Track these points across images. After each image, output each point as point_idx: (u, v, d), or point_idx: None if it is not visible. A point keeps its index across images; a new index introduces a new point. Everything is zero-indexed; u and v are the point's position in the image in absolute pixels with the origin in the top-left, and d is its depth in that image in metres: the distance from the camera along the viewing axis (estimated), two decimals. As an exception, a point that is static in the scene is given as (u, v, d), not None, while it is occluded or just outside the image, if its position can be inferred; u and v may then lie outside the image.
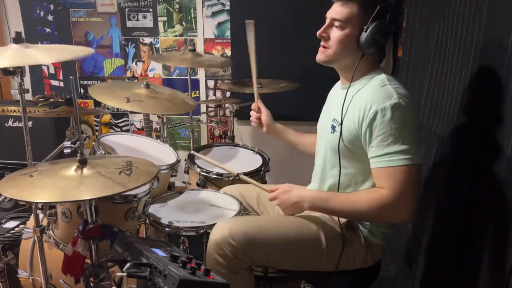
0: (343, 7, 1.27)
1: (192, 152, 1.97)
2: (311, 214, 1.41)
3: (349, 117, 1.29)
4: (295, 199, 1.34)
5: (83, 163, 1.18)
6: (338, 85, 1.51)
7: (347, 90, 1.33)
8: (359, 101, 1.27)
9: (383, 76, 1.29)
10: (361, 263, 1.37)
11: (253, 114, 1.75)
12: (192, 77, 2.96)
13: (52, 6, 3.14)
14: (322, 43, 1.33)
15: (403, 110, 1.20)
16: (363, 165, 1.31)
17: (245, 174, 1.94)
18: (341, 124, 1.30)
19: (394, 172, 1.20)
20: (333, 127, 1.36)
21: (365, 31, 1.24)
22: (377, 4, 1.23)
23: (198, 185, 1.94)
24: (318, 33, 1.32)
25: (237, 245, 1.26)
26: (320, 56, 1.34)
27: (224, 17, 2.96)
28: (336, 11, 1.29)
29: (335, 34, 1.29)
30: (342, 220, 1.36)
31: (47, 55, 1.36)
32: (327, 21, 1.32)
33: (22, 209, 2.30)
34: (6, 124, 2.79)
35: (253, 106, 1.75)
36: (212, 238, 1.30)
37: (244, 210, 1.61)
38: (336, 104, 1.39)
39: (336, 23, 1.28)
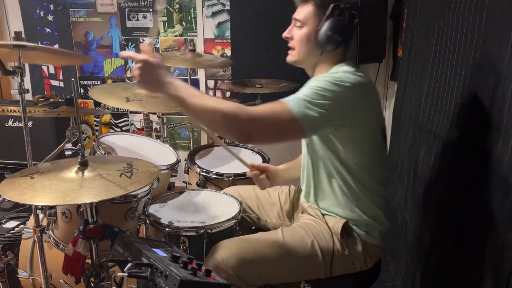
0: (301, 8, 1.32)
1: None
2: (302, 225, 1.40)
3: None
4: (159, 74, 1.14)
5: (84, 165, 1.18)
6: None
7: None
8: None
9: (344, 65, 1.29)
10: (361, 266, 1.36)
11: (258, 178, 1.54)
12: (192, 77, 2.96)
13: (52, 6, 3.14)
14: (289, 44, 1.37)
15: (337, 81, 1.19)
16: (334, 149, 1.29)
17: (245, 174, 1.95)
18: None
19: (278, 103, 1.16)
20: None
21: (319, 29, 1.27)
22: (331, 2, 1.26)
23: (198, 185, 1.94)
24: (283, 35, 1.37)
25: (230, 271, 1.24)
26: (288, 57, 1.38)
27: (224, 17, 2.96)
28: (297, 12, 1.34)
29: (296, 34, 1.34)
30: (337, 226, 1.33)
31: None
32: (292, 23, 1.36)
33: (22, 209, 2.30)
34: (6, 124, 2.79)
35: (250, 174, 1.54)
36: (206, 265, 1.29)
37: (243, 212, 1.61)
38: None
39: (297, 23, 1.33)
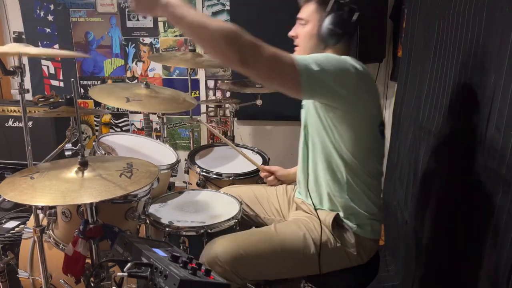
0: (305, 7, 1.41)
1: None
2: (295, 220, 1.42)
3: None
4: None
5: (84, 165, 1.18)
6: None
7: None
8: None
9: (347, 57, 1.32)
10: (357, 260, 1.37)
11: (267, 179, 1.76)
12: (192, 77, 2.95)
13: (52, 6, 3.14)
14: (294, 42, 1.43)
15: (341, 60, 1.25)
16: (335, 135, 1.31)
17: (245, 174, 1.95)
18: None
19: (286, 53, 1.16)
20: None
21: (321, 25, 1.35)
22: None
23: (198, 185, 1.94)
24: (289, 34, 1.44)
25: (225, 266, 1.27)
26: (295, 54, 1.38)
27: (224, 17, 2.96)
28: (301, 11, 1.42)
29: (300, 31, 1.41)
30: (328, 220, 1.35)
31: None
32: (296, 22, 1.43)
33: (22, 209, 2.30)
34: (6, 124, 2.79)
35: (262, 174, 1.78)
36: (201, 260, 1.31)
37: (243, 212, 1.61)
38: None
39: (301, 22, 1.41)
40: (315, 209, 1.40)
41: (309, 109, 1.38)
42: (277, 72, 1.17)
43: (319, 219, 1.37)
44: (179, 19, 1.09)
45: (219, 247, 1.30)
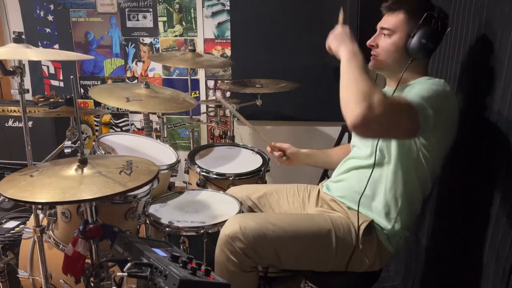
0: (391, 16, 1.33)
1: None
2: (324, 214, 1.42)
3: None
4: (346, 38, 1.25)
5: (83, 162, 1.18)
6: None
7: (393, 92, 1.31)
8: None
9: (435, 79, 1.31)
10: (368, 267, 1.37)
11: (275, 154, 1.71)
12: (192, 77, 2.96)
13: (52, 6, 3.14)
14: (372, 52, 1.38)
15: (446, 90, 1.24)
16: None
17: (245, 174, 1.95)
18: None
19: (402, 99, 1.17)
20: None
21: (412, 37, 1.27)
22: (425, 11, 1.26)
23: (198, 185, 1.94)
24: (368, 42, 1.38)
25: (247, 241, 1.27)
26: (371, 63, 1.39)
27: (224, 17, 2.96)
28: (385, 21, 1.35)
29: (383, 42, 1.34)
30: (363, 222, 1.34)
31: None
32: (378, 31, 1.37)
33: (22, 209, 2.30)
34: (6, 124, 2.79)
35: (269, 149, 1.72)
36: (223, 233, 1.31)
37: (249, 210, 1.61)
38: None
39: (385, 32, 1.34)
40: (358, 212, 1.36)
41: None
42: (396, 121, 1.14)
43: (351, 221, 1.36)
44: (348, 62, 1.18)
45: (244, 223, 1.30)
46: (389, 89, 1.42)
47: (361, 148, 1.45)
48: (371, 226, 1.35)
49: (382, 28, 1.35)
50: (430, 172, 1.34)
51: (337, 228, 1.35)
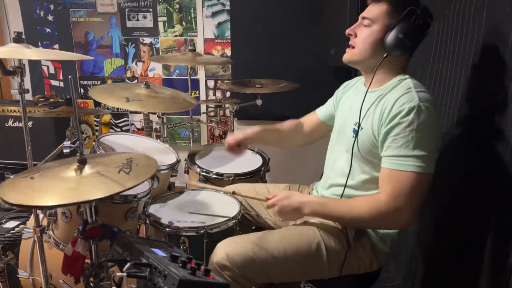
0: (374, 6, 1.26)
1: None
2: (310, 221, 1.40)
3: (370, 122, 1.26)
4: (296, 204, 1.29)
5: (82, 162, 1.18)
6: (358, 85, 1.46)
7: (366, 91, 1.30)
8: (381, 106, 1.23)
9: (409, 81, 1.24)
10: (365, 269, 1.36)
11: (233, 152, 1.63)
12: (192, 77, 2.96)
13: (52, 6, 3.14)
14: (350, 42, 1.31)
15: (424, 115, 1.15)
16: (375, 173, 1.27)
17: (245, 174, 1.95)
18: (359, 128, 1.28)
19: (401, 176, 1.16)
20: (355, 131, 1.31)
21: (390, 31, 1.21)
22: (409, 5, 1.20)
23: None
24: (346, 31, 1.31)
25: (236, 268, 1.25)
26: (346, 56, 1.32)
27: (224, 17, 2.96)
28: (367, 10, 1.28)
29: (362, 32, 1.27)
30: (352, 227, 1.32)
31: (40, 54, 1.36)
32: (359, 20, 1.30)
33: (22, 209, 2.30)
34: (6, 124, 2.79)
35: (227, 149, 1.62)
36: (211, 261, 1.29)
37: (244, 210, 1.61)
38: (356, 107, 1.34)
39: (365, 22, 1.27)
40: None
41: (365, 138, 1.28)
42: (419, 192, 1.18)
43: (340, 227, 1.35)
44: (328, 217, 1.32)
45: (230, 248, 1.28)
46: (365, 89, 1.35)
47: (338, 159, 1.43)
48: (361, 230, 1.33)
49: (363, 18, 1.27)
50: None
51: (326, 239, 1.32)
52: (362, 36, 1.27)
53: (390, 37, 1.21)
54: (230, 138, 1.61)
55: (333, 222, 1.37)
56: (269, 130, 1.68)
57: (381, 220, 1.21)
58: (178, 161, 1.87)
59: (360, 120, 1.28)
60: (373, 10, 1.26)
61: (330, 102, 1.62)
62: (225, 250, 1.27)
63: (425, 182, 1.17)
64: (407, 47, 1.22)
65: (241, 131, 1.62)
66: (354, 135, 1.30)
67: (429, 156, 1.16)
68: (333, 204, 1.28)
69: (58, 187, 1.09)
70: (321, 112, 1.66)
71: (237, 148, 1.61)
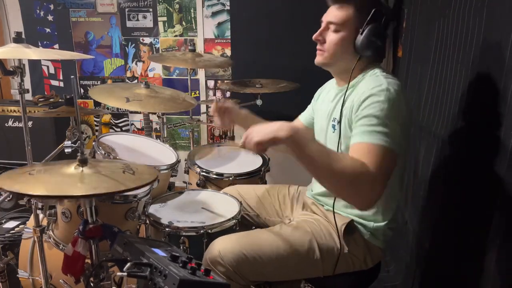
0: (339, 10, 1.28)
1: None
2: (302, 223, 1.40)
3: (345, 112, 1.27)
4: (275, 125, 1.12)
5: (83, 162, 1.18)
6: (331, 87, 1.49)
7: (345, 92, 1.31)
8: (353, 96, 1.26)
9: (377, 70, 1.29)
10: (360, 265, 1.36)
11: (219, 117, 1.58)
12: (192, 77, 2.96)
13: (52, 6, 3.14)
14: (318, 46, 1.34)
15: (392, 98, 1.17)
16: None
17: (245, 174, 1.95)
18: (340, 122, 1.29)
19: (377, 149, 1.12)
20: (334, 126, 1.34)
21: (361, 34, 1.24)
22: (373, 7, 1.23)
23: (198, 185, 1.94)
24: (313, 36, 1.33)
25: (228, 265, 1.26)
26: (318, 59, 1.34)
27: (224, 17, 2.96)
28: (332, 15, 1.29)
29: (331, 37, 1.29)
30: (342, 224, 1.33)
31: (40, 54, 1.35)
32: (323, 25, 1.32)
33: (22, 209, 2.30)
34: (6, 124, 2.79)
35: (213, 111, 1.58)
36: (205, 258, 1.30)
37: (243, 211, 1.61)
38: (331, 105, 1.38)
39: (332, 27, 1.29)
40: (334, 213, 1.33)
41: (344, 132, 1.29)
42: (389, 172, 1.14)
43: (331, 225, 1.35)
44: (304, 155, 1.08)
45: (223, 246, 1.29)
46: (339, 89, 1.38)
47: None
48: (352, 226, 1.34)
49: (330, 23, 1.29)
50: (400, 156, 1.24)
51: (318, 236, 1.33)
52: (332, 41, 1.29)
53: (362, 40, 1.24)
54: (221, 103, 1.58)
55: (326, 220, 1.38)
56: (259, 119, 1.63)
57: (358, 184, 1.10)
58: (178, 161, 1.87)
59: (339, 116, 1.30)
60: (338, 15, 1.27)
61: (309, 107, 1.67)
62: (218, 247, 1.29)
63: (393, 160, 1.14)
64: (378, 47, 1.26)
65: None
66: (334, 130, 1.33)
67: (395, 136, 1.14)
68: (317, 144, 1.14)
69: (57, 180, 1.08)
70: (303, 118, 1.70)
71: (223, 114, 1.57)
